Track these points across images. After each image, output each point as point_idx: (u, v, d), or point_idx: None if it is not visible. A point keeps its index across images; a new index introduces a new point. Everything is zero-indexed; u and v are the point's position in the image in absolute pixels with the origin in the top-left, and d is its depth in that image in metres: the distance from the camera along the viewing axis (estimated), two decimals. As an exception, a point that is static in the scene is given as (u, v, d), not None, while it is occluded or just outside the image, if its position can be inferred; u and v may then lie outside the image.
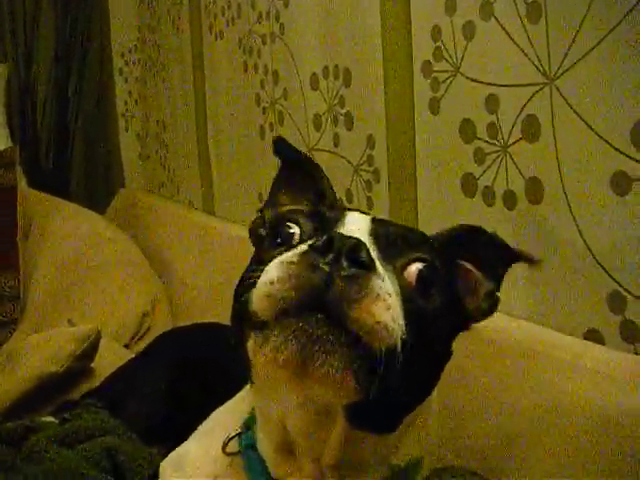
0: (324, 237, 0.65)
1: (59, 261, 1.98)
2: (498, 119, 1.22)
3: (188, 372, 1.27)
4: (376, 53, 1.47)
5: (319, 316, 0.63)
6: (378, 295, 0.64)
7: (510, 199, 1.21)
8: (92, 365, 1.43)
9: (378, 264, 0.67)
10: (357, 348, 0.63)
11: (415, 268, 0.74)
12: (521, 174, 1.19)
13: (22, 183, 2.15)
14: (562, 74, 1.10)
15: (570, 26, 1.08)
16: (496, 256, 0.87)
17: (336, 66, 1.61)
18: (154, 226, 2.34)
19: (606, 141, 1.04)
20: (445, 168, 1.34)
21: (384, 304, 0.64)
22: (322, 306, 0.63)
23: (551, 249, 1.15)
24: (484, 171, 1.26)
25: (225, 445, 0.85)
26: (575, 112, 1.08)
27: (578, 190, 1.10)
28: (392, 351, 0.64)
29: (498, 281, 0.88)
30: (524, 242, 1.20)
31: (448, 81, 1.32)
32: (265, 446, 0.80)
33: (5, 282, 1.91)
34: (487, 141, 1.24)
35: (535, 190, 1.16)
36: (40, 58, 2.83)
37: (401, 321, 0.66)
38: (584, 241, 1.09)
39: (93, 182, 2.88)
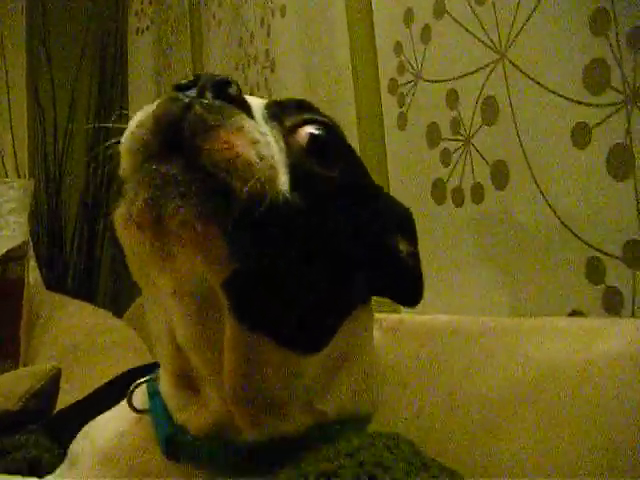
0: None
1: (60, 349, 1.93)
2: (459, 113, 1.15)
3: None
4: (347, 81, 1.45)
5: (177, 158, 0.51)
6: (241, 127, 0.52)
7: (477, 192, 1.12)
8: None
9: (253, 108, 0.56)
10: (217, 192, 0.50)
11: (307, 130, 0.60)
12: (486, 161, 1.10)
13: (32, 278, 2.14)
14: (512, 44, 1.04)
15: (513, -5, 1.04)
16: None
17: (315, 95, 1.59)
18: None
19: (561, 96, 0.96)
20: (415, 178, 1.26)
21: (247, 137, 0.52)
22: (179, 144, 0.51)
23: (523, 233, 1.04)
24: (451, 172, 1.17)
25: (130, 397, 0.69)
26: (528, 77, 1.01)
27: (541, 157, 1.01)
28: (265, 201, 0.51)
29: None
30: (494, 234, 1.09)
31: (412, 92, 1.27)
32: (165, 383, 0.65)
33: (4, 369, 1.85)
34: (451, 139, 1.17)
35: (500, 174, 1.07)
36: (70, 176, 2.95)
37: (281, 172, 0.54)
38: (553, 211, 0.98)
39: (117, 301, 2.88)
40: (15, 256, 2.13)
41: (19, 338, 1.96)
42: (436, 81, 1.21)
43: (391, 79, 1.33)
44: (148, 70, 2.83)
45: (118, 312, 2.39)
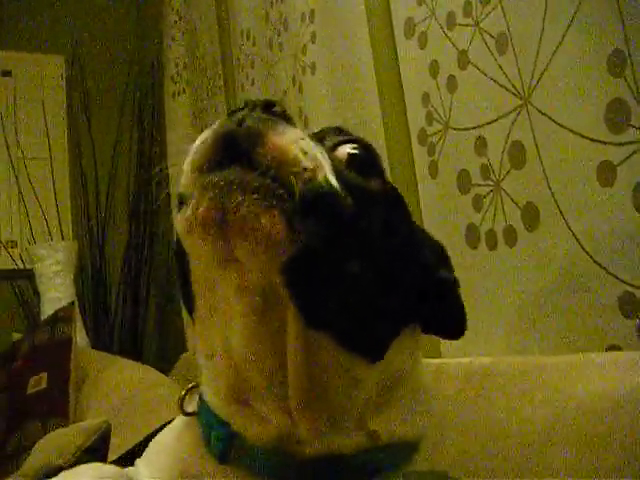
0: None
1: (108, 406, 1.96)
2: (488, 158, 1.18)
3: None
4: (378, 133, 1.49)
5: (236, 163, 0.57)
6: (285, 131, 0.58)
7: (510, 235, 1.14)
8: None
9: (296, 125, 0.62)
10: (274, 186, 0.55)
11: (345, 149, 0.66)
12: (516, 204, 1.13)
13: (80, 338, 2.19)
14: (534, 90, 1.08)
15: (532, 42, 1.08)
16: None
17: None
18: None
19: (585, 136, 0.99)
20: (449, 224, 1.28)
21: (290, 137, 0.58)
22: (237, 153, 0.57)
23: (555, 272, 1.06)
24: (483, 216, 1.20)
25: (182, 401, 0.72)
26: (553, 120, 1.05)
27: (569, 197, 1.03)
28: (316, 185, 0.56)
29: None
30: (528, 276, 1.10)
31: (441, 141, 1.31)
32: (213, 396, 0.66)
33: (53, 429, 1.89)
34: (481, 184, 1.20)
35: (531, 215, 1.10)
36: (113, 237, 3.03)
37: (327, 166, 0.59)
38: (583, 248, 1.00)
39: (163, 359, 2.92)
40: (63, 317, 2.19)
41: (68, 396, 2.00)
42: (464, 129, 1.24)
43: (421, 129, 1.37)
44: (185, 131, 2.92)
45: (164, 370, 2.43)
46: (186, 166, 0.60)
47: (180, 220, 0.58)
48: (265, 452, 0.62)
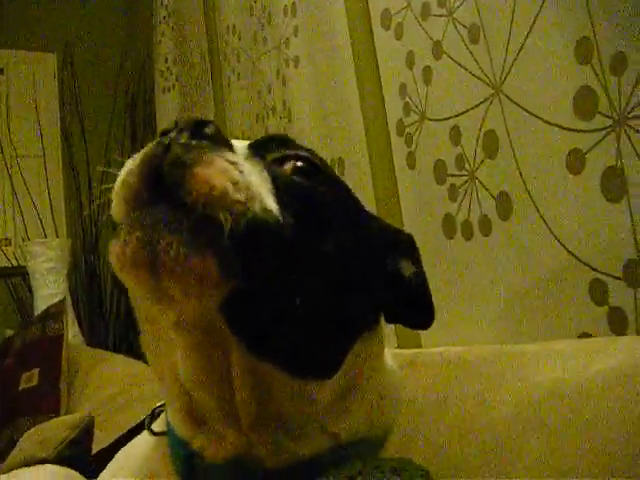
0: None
1: (98, 401, 1.97)
2: (463, 148, 1.19)
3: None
4: (358, 124, 1.50)
5: (164, 199, 0.53)
6: (212, 159, 0.55)
7: (485, 225, 1.14)
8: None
9: (236, 147, 0.59)
10: (203, 223, 0.52)
11: (291, 164, 0.63)
12: (490, 194, 1.13)
13: (71, 334, 2.20)
14: (505, 78, 1.08)
15: (503, 32, 1.08)
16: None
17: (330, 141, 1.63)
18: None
19: (554, 124, 0.99)
20: (427, 214, 1.29)
21: (218, 167, 0.54)
22: (163, 185, 0.54)
23: (530, 261, 1.06)
24: (459, 206, 1.20)
25: (150, 422, 0.71)
26: (524, 109, 1.05)
27: (541, 185, 1.03)
28: (248, 219, 0.53)
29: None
30: (502, 265, 1.11)
31: (418, 131, 1.31)
32: (172, 416, 0.66)
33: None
34: (457, 174, 1.20)
35: (504, 205, 1.10)
36: (106, 233, 3.04)
37: (263, 192, 0.56)
38: (555, 237, 1.00)
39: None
40: (54, 313, 2.20)
41: (59, 392, 2.02)
42: (440, 119, 1.24)
43: (398, 120, 1.37)
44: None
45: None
46: (114, 195, 0.57)
47: (111, 253, 0.55)
48: (226, 469, 0.62)
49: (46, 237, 3.11)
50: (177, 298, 0.53)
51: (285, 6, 1.84)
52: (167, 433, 0.68)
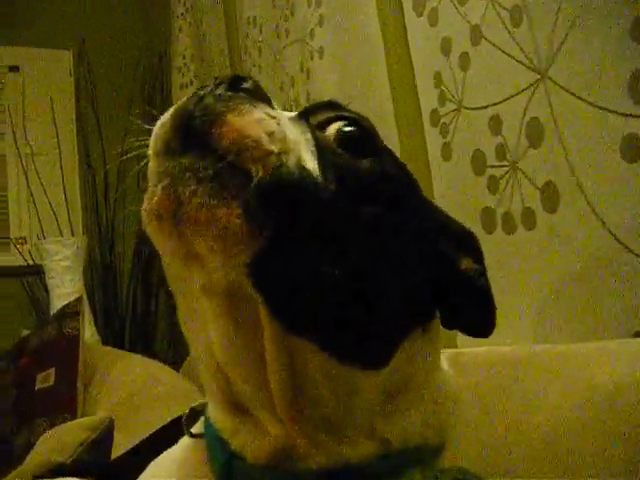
0: None
1: (115, 402, 1.93)
2: (504, 138, 1.13)
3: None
4: (389, 115, 1.44)
5: (193, 148, 0.50)
6: (249, 110, 0.51)
7: (528, 218, 1.08)
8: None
9: (274, 104, 0.55)
10: (232, 172, 0.48)
11: (335, 127, 0.57)
12: (534, 185, 1.07)
13: (88, 333, 2.16)
14: (552, 63, 1.02)
15: (549, 13, 1.02)
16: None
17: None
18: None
19: (607, 109, 0.93)
20: (463, 208, 1.23)
21: (253, 116, 0.51)
22: (193, 135, 0.51)
23: (579, 256, 1.00)
24: (499, 199, 1.14)
25: (185, 421, 0.65)
26: (573, 94, 0.99)
27: (591, 175, 0.97)
28: (281, 172, 0.49)
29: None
30: (549, 260, 1.05)
31: (454, 121, 1.25)
32: (213, 408, 0.60)
33: (61, 424, 1.85)
34: (497, 165, 1.14)
35: (551, 196, 1.04)
36: (122, 231, 3.00)
37: (304, 151, 0.52)
38: (607, 229, 0.94)
39: (176, 350, 2.89)
40: (70, 312, 2.15)
41: (76, 392, 1.97)
42: (478, 108, 1.19)
43: (433, 110, 1.31)
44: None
45: (177, 362, 2.39)
46: (150, 149, 0.54)
47: (142, 210, 0.51)
48: (267, 471, 0.56)
49: (62, 235, 3.06)
50: (202, 254, 0.49)
51: (310, -4, 1.78)
52: (205, 435, 0.62)
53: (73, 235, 3.10)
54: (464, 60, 1.22)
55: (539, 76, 1.05)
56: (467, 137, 1.22)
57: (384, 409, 0.57)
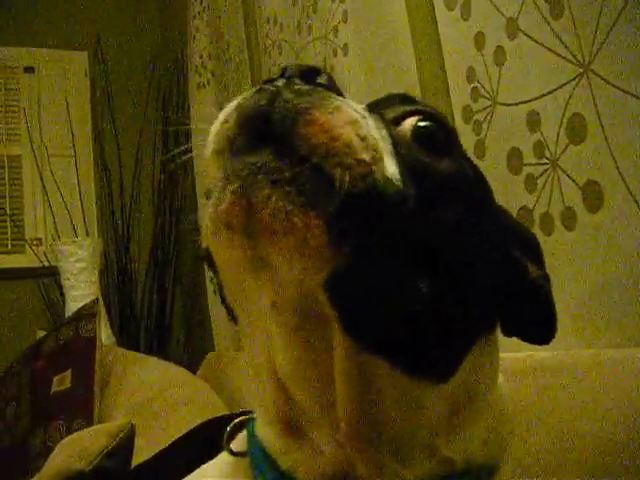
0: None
1: (132, 405, 1.90)
2: (542, 134, 1.08)
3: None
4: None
5: (267, 147, 0.45)
6: (338, 107, 0.46)
7: (569, 218, 1.04)
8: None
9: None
10: (314, 177, 0.44)
11: (411, 122, 0.52)
12: (576, 183, 1.02)
13: (104, 335, 2.13)
14: (596, 56, 0.98)
15: (592, 6, 0.98)
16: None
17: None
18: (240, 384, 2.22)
19: (657, 105, 0.89)
20: (497, 208, 1.18)
21: (346, 116, 0.46)
22: (268, 134, 0.46)
23: (624, 258, 0.96)
24: (537, 198, 1.10)
25: (228, 439, 0.61)
26: (618, 88, 0.94)
27: (638, 172, 0.92)
28: (371, 184, 0.44)
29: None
30: (591, 262, 1.00)
31: (488, 118, 1.21)
32: (263, 428, 0.56)
33: (77, 428, 1.82)
34: (535, 163, 1.10)
35: (593, 195, 0.99)
36: (138, 233, 2.97)
37: (387, 156, 0.47)
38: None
39: (191, 355, 2.86)
40: (86, 314, 2.13)
41: (93, 396, 1.94)
42: (514, 104, 1.14)
43: (465, 106, 1.27)
44: (212, 122, 2.85)
45: (191, 367, 2.36)
46: (208, 148, 0.49)
47: (205, 219, 0.47)
48: None
49: (77, 237, 3.04)
50: (276, 265, 0.45)
51: (333, -8, 1.75)
52: (250, 453, 0.58)
53: (88, 236, 3.08)
54: (499, 55, 1.18)
55: (582, 70, 1.00)
56: (502, 134, 1.18)
57: (447, 426, 0.53)
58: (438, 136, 0.53)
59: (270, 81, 0.48)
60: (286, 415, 0.52)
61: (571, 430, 0.81)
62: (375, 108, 0.53)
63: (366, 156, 0.45)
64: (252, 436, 0.58)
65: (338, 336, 0.46)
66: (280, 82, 0.48)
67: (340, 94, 0.49)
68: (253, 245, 0.44)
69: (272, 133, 0.45)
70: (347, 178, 0.43)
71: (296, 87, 0.47)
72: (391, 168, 0.47)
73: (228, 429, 0.60)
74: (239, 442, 0.60)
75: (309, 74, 0.48)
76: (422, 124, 0.52)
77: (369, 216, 0.44)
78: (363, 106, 0.52)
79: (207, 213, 0.46)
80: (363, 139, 0.45)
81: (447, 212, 0.50)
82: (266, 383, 0.52)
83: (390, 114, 0.53)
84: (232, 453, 0.59)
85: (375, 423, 0.50)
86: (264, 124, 0.46)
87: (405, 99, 0.57)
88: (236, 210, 0.44)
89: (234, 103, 0.48)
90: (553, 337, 0.60)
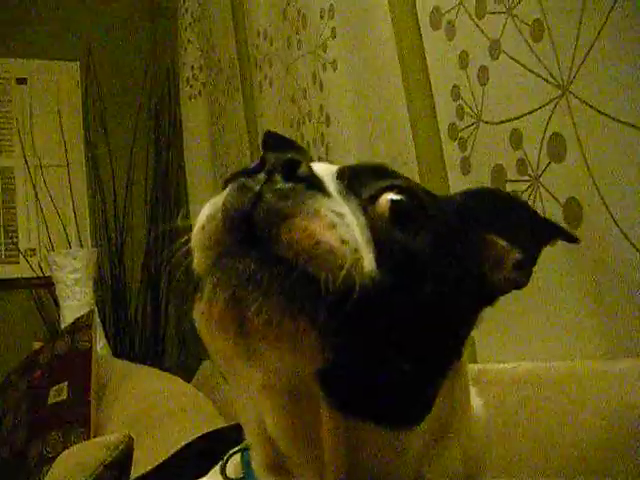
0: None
1: (129, 416, 1.92)
2: (525, 152, 1.12)
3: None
4: (405, 129, 1.44)
5: (254, 252, 0.48)
6: (317, 210, 0.49)
7: (551, 232, 1.08)
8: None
9: (326, 183, 0.53)
10: (300, 285, 0.47)
11: (387, 198, 0.56)
12: (556, 200, 1.06)
13: (100, 347, 2.15)
14: (574, 77, 1.02)
15: (571, 29, 1.02)
16: (527, 228, 0.71)
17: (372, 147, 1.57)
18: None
19: (632, 125, 0.93)
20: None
21: (325, 221, 0.48)
22: (254, 236, 0.49)
23: (604, 272, 0.99)
24: (521, 213, 1.14)
25: (224, 467, 0.66)
26: (595, 109, 0.98)
27: (616, 190, 0.97)
28: (354, 288, 0.48)
29: (531, 254, 0.72)
30: (572, 275, 1.04)
31: (473, 135, 1.25)
32: (256, 463, 0.61)
33: (75, 439, 1.85)
34: (518, 180, 1.14)
35: (573, 212, 1.03)
36: (131, 243, 2.99)
37: (366, 253, 0.50)
38: (632, 245, 0.94)
39: (185, 364, 2.88)
40: (82, 325, 2.15)
41: (89, 407, 1.96)
42: (498, 122, 1.18)
43: (451, 124, 1.31)
44: (203, 133, 2.88)
45: (187, 376, 2.38)
46: (194, 243, 0.52)
47: (196, 311, 0.51)
48: None
49: (71, 247, 3.06)
50: (266, 363, 0.50)
51: (322, 9, 1.78)
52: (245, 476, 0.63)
53: (82, 247, 3.10)
54: (483, 74, 1.22)
55: (561, 91, 1.04)
56: (487, 151, 1.22)
57: (428, 454, 0.59)
58: (411, 208, 0.57)
59: (251, 172, 0.51)
60: (273, 460, 0.58)
61: (551, 438, 0.85)
62: (350, 180, 0.57)
63: (347, 259, 0.48)
64: (247, 465, 0.63)
65: (326, 409, 0.52)
66: (261, 177, 0.50)
67: (321, 185, 0.52)
68: (245, 340, 0.48)
69: (257, 237, 0.48)
70: (331, 281, 0.47)
71: (277, 186, 0.49)
72: (370, 264, 0.50)
73: (224, 458, 0.65)
74: (232, 468, 0.65)
75: (289, 167, 0.51)
76: (396, 198, 0.57)
77: (352, 315, 0.48)
78: (335, 173, 0.56)
79: (199, 309, 0.50)
80: (344, 242, 0.48)
81: (420, 285, 0.54)
82: (255, 433, 0.58)
83: (366, 192, 0.57)
84: (227, 479, 0.64)
85: (362, 469, 0.55)
86: (248, 227, 0.49)
87: (379, 172, 0.61)
88: (229, 318, 0.48)
89: (219, 200, 0.51)
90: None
